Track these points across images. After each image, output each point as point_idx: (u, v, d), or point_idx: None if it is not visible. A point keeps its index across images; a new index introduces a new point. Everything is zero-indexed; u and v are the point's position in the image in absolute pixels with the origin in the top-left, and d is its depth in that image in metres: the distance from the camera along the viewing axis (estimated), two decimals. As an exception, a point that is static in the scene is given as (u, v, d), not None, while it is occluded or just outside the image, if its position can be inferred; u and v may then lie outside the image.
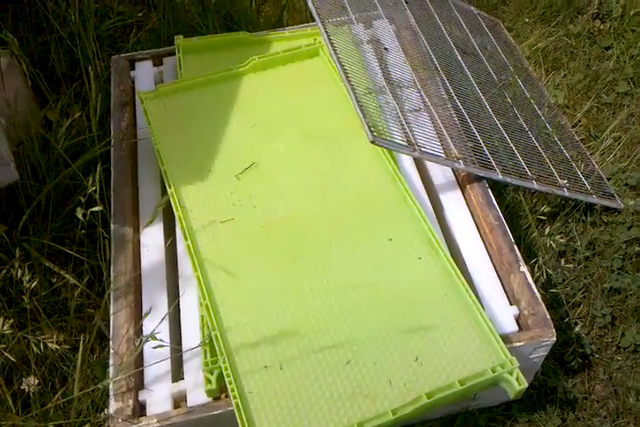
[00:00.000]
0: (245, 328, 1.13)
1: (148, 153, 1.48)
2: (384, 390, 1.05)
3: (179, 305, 1.22)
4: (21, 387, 1.15)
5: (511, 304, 1.21)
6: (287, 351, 1.10)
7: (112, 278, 1.25)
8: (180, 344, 1.17)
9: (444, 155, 1.36)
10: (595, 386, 1.36)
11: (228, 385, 1.06)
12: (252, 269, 1.22)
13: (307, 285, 1.19)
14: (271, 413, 1.03)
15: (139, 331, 1.19)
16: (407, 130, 1.38)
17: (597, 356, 1.39)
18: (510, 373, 1.05)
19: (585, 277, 1.49)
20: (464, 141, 1.42)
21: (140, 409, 1.13)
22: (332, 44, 1.44)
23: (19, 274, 1.09)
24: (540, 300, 1.19)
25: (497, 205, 1.33)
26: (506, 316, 1.19)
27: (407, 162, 1.45)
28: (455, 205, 1.36)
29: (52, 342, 1.11)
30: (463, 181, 1.40)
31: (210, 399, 1.11)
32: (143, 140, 1.50)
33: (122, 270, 1.26)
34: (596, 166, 1.68)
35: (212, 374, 1.10)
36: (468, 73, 1.69)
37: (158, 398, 1.13)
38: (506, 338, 1.13)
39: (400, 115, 1.41)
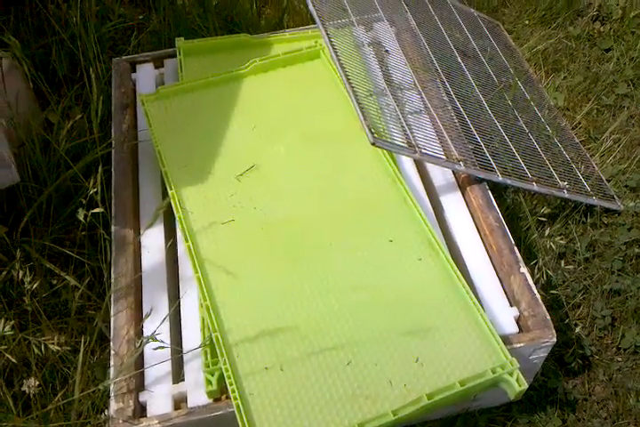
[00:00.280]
0: (246, 330, 1.13)
1: (148, 155, 1.48)
2: (384, 391, 1.05)
3: (179, 306, 1.22)
4: (22, 388, 1.15)
5: (511, 306, 1.22)
6: (288, 353, 1.10)
7: (113, 280, 1.25)
8: (181, 345, 1.18)
9: (444, 156, 1.36)
10: (595, 387, 1.36)
11: (228, 386, 1.06)
12: (253, 270, 1.22)
13: (307, 286, 1.19)
14: (272, 414, 1.03)
15: (139, 332, 1.20)
16: (408, 132, 1.38)
17: (597, 357, 1.39)
18: (510, 374, 1.05)
19: (585, 278, 1.49)
20: (464, 143, 1.43)
21: (141, 410, 1.13)
22: (332, 46, 1.44)
23: (20, 275, 1.10)
24: (540, 301, 1.19)
25: (497, 207, 1.33)
26: (506, 317, 1.19)
27: (407, 163, 1.45)
28: (455, 206, 1.37)
29: (53, 343, 1.11)
30: (463, 183, 1.40)
31: (210, 401, 1.12)
32: (144, 142, 1.50)
33: (122, 272, 1.26)
34: (596, 168, 1.68)
35: (212, 376, 1.10)
36: (469, 75, 1.69)
37: (159, 399, 1.13)
38: (506, 339, 1.13)
39: (400, 117, 1.41)
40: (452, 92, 1.57)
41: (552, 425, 1.29)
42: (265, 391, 1.06)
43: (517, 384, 1.05)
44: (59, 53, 1.88)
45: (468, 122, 1.50)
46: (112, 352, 1.16)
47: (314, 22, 1.49)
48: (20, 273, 1.10)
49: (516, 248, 1.26)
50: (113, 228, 1.34)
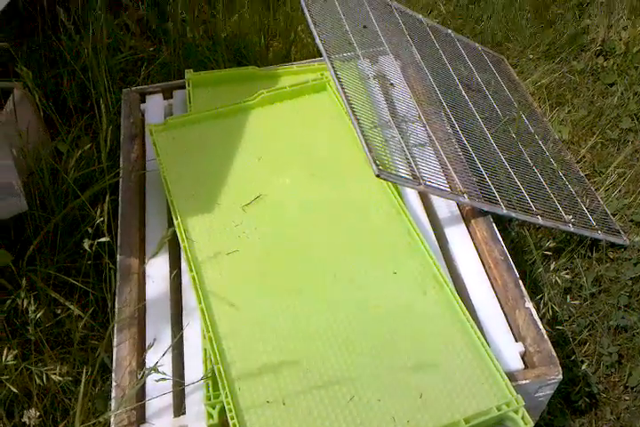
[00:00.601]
0: (248, 362, 1.12)
1: (155, 184, 1.50)
2: (388, 428, 1.04)
3: (182, 337, 1.22)
4: (22, 419, 1.14)
5: (517, 341, 1.20)
6: (290, 387, 1.09)
7: (116, 310, 1.25)
8: (183, 377, 1.17)
9: (448, 189, 1.37)
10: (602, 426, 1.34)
11: (229, 420, 1.05)
12: (257, 301, 1.22)
13: (311, 319, 1.18)
14: (273, 449, 1.02)
15: (141, 363, 1.19)
16: (412, 164, 1.39)
17: (604, 395, 1.37)
18: (516, 411, 1.04)
19: (591, 314, 1.48)
20: (469, 176, 1.43)
21: (141, 443, 1.12)
22: (338, 78, 1.46)
23: (24, 304, 1.10)
24: (546, 337, 1.18)
25: (502, 240, 1.33)
26: (511, 353, 1.18)
27: (412, 195, 1.45)
28: (460, 239, 1.37)
29: (55, 373, 1.11)
30: (468, 216, 1.40)
31: (211, 434, 1.10)
32: (152, 171, 1.52)
33: (126, 302, 1.26)
34: (601, 202, 1.69)
35: (213, 409, 1.08)
36: (473, 108, 1.71)
37: (160, 432, 1.11)
38: (511, 375, 1.12)
39: (405, 149, 1.42)
40: (456, 125, 1.58)
41: (559, 464, 1.27)
42: (266, 426, 1.04)
43: (523, 422, 1.03)
44: (70, 84, 1.91)
45: (473, 154, 1.51)
46: (114, 384, 1.15)
47: (320, 55, 1.51)
48: (25, 302, 1.10)
49: (520, 282, 1.25)
50: (118, 257, 1.34)
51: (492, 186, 1.42)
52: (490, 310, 1.24)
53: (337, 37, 1.60)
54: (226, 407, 1.06)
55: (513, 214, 1.38)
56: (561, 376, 1.14)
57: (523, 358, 1.18)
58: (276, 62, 1.98)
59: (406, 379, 1.09)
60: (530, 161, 1.64)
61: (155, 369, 1.06)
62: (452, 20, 2.33)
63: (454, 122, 1.59)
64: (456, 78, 1.79)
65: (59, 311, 1.36)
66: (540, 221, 1.42)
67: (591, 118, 1.94)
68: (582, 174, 1.76)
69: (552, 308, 1.37)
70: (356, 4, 1.78)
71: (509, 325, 1.23)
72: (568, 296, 1.46)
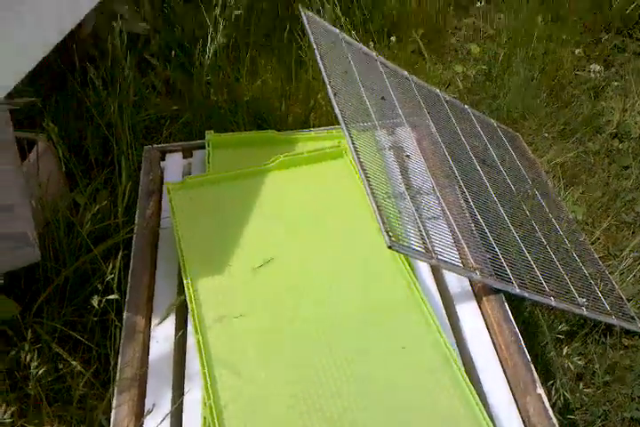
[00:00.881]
0: (248, 434, 1.09)
1: (169, 242, 1.50)
2: None
3: (182, 404, 1.19)
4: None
5: (526, 427, 1.17)
6: (290, 463, 1.05)
7: (118, 369, 1.22)
8: (180, 445, 1.13)
9: (461, 264, 1.36)
10: None
11: None
12: (260, 370, 1.19)
13: (314, 391, 1.15)
14: None
15: (139, 428, 1.16)
16: (425, 237, 1.39)
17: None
18: None
19: (604, 403, 1.43)
20: (481, 252, 1.43)
21: None
22: (355, 147, 1.48)
23: (27, 358, 1.08)
24: None
25: (513, 320, 1.30)
26: (520, 440, 1.14)
27: (424, 268, 1.45)
28: (471, 316, 1.35)
29: (51, 433, 1.08)
30: (479, 292, 1.39)
31: None
32: (166, 229, 1.52)
33: (129, 361, 1.24)
34: (616, 286, 1.67)
35: (209, 482, 1.05)
36: (487, 183, 1.72)
37: None
38: (519, 464, 1.08)
39: (418, 221, 1.42)
40: (470, 200, 1.59)
41: None
42: None
43: None
44: (93, 138, 1.95)
45: (486, 230, 1.51)
46: (109, 447, 1.12)
47: (339, 123, 1.54)
48: (28, 357, 1.08)
49: (532, 366, 1.22)
50: (125, 314, 1.33)
51: (504, 263, 1.42)
52: (499, 394, 1.20)
53: (355, 107, 1.63)
54: (222, 481, 1.02)
55: (526, 294, 1.36)
56: (571, 468, 1.10)
57: (531, 447, 1.14)
58: (295, 127, 2.02)
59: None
60: (543, 240, 1.64)
61: (152, 436, 1.03)
62: (468, 95, 2.39)
63: (468, 196, 1.60)
64: (471, 153, 1.82)
65: (61, 366, 1.34)
66: (553, 302, 1.40)
67: (606, 200, 1.95)
68: (596, 256, 1.75)
69: (564, 395, 1.33)
70: (375, 77, 1.83)
71: (519, 409, 1.19)
72: (581, 383, 1.42)
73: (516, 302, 1.58)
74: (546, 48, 2.53)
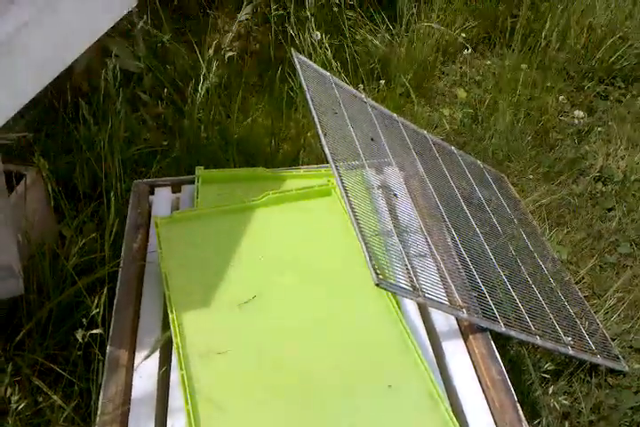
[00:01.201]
0: (231, 473, 1.07)
1: (155, 276, 1.49)
2: None
3: (164, 441, 1.16)
4: None
5: (512, 470, 1.15)
6: None
7: (100, 404, 1.20)
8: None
9: (447, 302, 1.36)
10: None
11: None
12: (244, 407, 1.18)
13: (300, 428, 1.14)
14: None
15: (118, 467, 1.12)
16: (412, 274, 1.39)
17: None
18: None
19: (590, 443, 1.42)
20: (468, 290, 1.43)
21: None
22: (343, 185, 1.49)
23: (7, 393, 1.06)
24: (543, 467, 1.12)
25: (500, 359, 1.30)
26: (506, 482, 1.12)
27: (410, 304, 1.44)
28: (457, 354, 1.34)
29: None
30: (466, 330, 1.38)
31: None
32: (152, 263, 1.51)
33: (111, 397, 1.21)
34: (600, 325, 1.67)
35: None
36: (474, 223, 1.74)
37: None
38: None
39: (405, 259, 1.43)
40: (456, 239, 1.60)
41: None
42: None
43: None
44: (82, 171, 1.95)
45: (472, 269, 1.52)
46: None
47: (327, 162, 1.56)
48: (9, 391, 1.06)
49: (518, 405, 1.21)
50: (108, 348, 1.31)
51: (490, 302, 1.42)
52: (486, 433, 1.19)
53: (344, 147, 1.66)
54: None
55: (512, 333, 1.36)
56: None
57: (517, 489, 1.12)
58: (284, 164, 2.04)
59: None
60: (529, 279, 1.65)
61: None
62: (455, 136, 2.44)
63: (455, 235, 1.61)
64: (458, 193, 1.84)
65: (40, 399, 1.31)
66: (538, 341, 1.40)
67: (590, 241, 1.97)
68: (581, 296, 1.77)
69: (550, 434, 1.33)
70: (364, 118, 1.87)
71: (505, 451, 1.18)
72: (567, 422, 1.41)
73: (502, 340, 1.58)
74: (531, 94, 2.60)
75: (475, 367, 1.31)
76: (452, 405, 1.19)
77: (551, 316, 1.53)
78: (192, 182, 1.75)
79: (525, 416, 1.20)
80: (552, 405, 1.40)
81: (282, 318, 1.35)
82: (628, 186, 2.18)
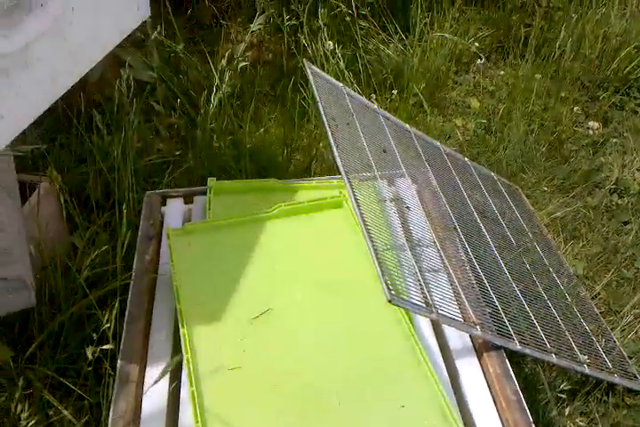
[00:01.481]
0: None
1: (166, 288, 1.48)
2: None
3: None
4: None
5: None
6: None
7: (110, 421, 1.19)
8: None
9: (461, 319, 1.34)
10: None
11: None
12: (255, 425, 1.16)
13: (311, 448, 1.12)
14: None
15: (127, 484, 1.11)
16: (425, 290, 1.37)
17: None
18: None
19: (607, 465, 1.40)
20: (482, 306, 1.41)
21: None
22: (355, 198, 1.48)
23: (18, 409, 1.05)
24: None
25: (514, 378, 1.28)
26: None
27: (423, 320, 1.42)
28: (471, 373, 1.32)
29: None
30: (480, 348, 1.36)
31: None
32: (164, 275, 1.51)
33: (121, 413, 1.20)
34: (617, 343, 1.64)
35: None
36: (487, 236, 1.72)
37: None
38: None
39: (418, 274, 1.41)
40: (470, 252, 1.58)
41: None
42: None
43: None
44: (95, 181, 1.95)
45: (486, 284, 1.49)
46: None
47: (340, 173, 1.55)
48: (19, 407, 1.05)
49: (534, 426, 1.19)
50: (119, 363, 1.30)
51: (505, 318, 1.40)
52: (501, 455, 1.17)
53: (357, 158, 1.64)
54: None
55: (527, 351, 1.34)
56: None
57: None
58: (296, 175, 2.03)
59: None
60: (544, 294, 1.63)
61: None
62: (468, 148, 2.42)
63: (468, 249, 1.59)
64: (471, 205, 1.82)
65: (51, 413, 1.30)
66: (554, 359, 1.37)
67: (606, 255, 1.94)
68: (597, 312, 1.74)
69: (566, 458, 1.30)
70: (376, 129, 1.86)
71: (520, 474, 1.15)
72: (584, 445, 1.39)
73: (516, 357, 1.56)
74: (545, 104, 2.58)
75: (489, 386, 1.29)
76: (465, 425, 1.17)
77: (567, 333, 1.51)
78: (204, 193, 1.75)
79: (541, 438, 1.18)
80: (569, 426, 1.38)
81: (294, 334, 1.34)
82: (645, 199, 2.16)
